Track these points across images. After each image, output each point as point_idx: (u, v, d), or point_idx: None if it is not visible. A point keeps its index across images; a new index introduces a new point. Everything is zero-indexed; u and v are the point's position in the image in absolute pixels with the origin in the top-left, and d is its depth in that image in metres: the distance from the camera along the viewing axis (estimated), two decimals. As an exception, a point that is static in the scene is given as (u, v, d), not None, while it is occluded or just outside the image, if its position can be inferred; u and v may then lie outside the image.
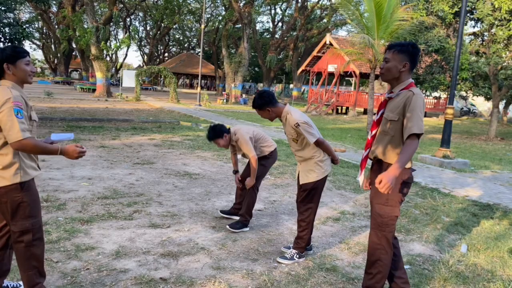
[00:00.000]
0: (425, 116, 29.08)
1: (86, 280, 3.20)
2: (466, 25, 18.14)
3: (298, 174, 3.93)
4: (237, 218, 4.79)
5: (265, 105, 3.79)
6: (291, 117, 3.70)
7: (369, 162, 3.12)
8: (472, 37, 18.08)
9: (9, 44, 10.31)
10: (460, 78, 15.79)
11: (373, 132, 3.00)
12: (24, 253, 2.64)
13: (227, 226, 4.57)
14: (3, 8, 10.27)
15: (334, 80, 28.44)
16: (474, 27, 19.09)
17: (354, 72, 26.67)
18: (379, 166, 2.97)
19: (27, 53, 2.67)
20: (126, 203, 5.19)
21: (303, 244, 3.90)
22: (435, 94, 21.11)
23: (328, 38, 28.01)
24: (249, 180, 4.56)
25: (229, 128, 4.63)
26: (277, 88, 61.19)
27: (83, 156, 2.65)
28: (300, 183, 3.84)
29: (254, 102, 3.85)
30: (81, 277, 3.24)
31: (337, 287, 3.40)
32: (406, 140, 2.73)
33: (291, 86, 52.60)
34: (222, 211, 4.98)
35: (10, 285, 2.97)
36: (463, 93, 18.21)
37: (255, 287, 3.29)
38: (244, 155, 4.68)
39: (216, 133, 4.51)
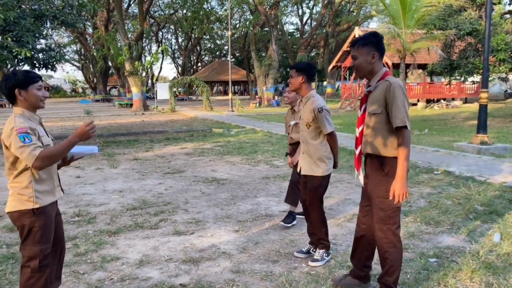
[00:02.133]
0: (465, 102, 28.19)
1: (109, 289, 3.33)
2: (500, 3, 17.33)
3: (296, 164, 3.92)
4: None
5: (303, 71, 3.72)
6: (315, 100, 3.71)
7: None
8: (508, 15, 17.23)
9: (43, 68, 10.87)
10: (497, 60, 15.09)
11: (360, 128, 2.98)
12: (27, 279, 2.66)
13: (281, 223, 4.70)
14: (36, 35, 10.81)
15: (367, 74, 27.87)
16: (510, 4, 18.22)
17: (386, 63, 26.05)
18: (371, 160, 2.94)
19: (40, 78, 2.68)
20: (153, 212, 5.33)
21: (327, 242, 3.86)
22: (473, 79, 20.23)
23: (357, 32, 27.53)
24: (292, 158, 4.62)
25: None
26: (310, 87, 60.70)
27: (94, 129, 2.60)
28: (303, 173, 3.80)
29: (299, 63, 3.84)
30: (104, 287, 3.36)
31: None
32: (397, 134, 2.76)
33: (325, 83, 52.07)
34: (298, 214, 4.95)
35: None
36: (503, 75, 17.32)
37: (273, 289, 3.29)
38: (294, 126, 4.66)
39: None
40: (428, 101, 27.34)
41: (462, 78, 17.49)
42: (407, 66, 16.33)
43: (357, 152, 3.02)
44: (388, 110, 2.77)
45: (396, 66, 26.71)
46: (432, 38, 14.72)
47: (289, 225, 4.71)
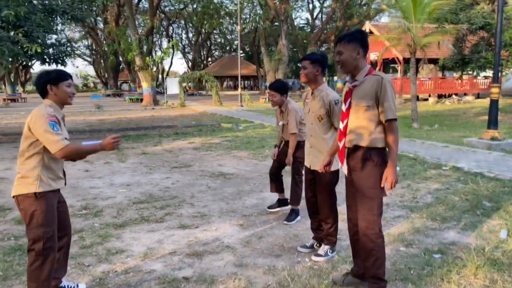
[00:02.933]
0: (478, 97, 27.83)
1: (113, 282, 3.36)
2: (514, -4, 17.01)
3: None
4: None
5: (319, 62, 3.68)
6: (330, 92, 3.70)
7: None
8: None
9: (53, 63, 10.96)
10: (510, 54, 14.86)
11: (345, 122, 3.02)
12: (32, 263, 2.79)
13: (284, 222, 4.69)
14: (47, 30, 10.88)
15: (378, 68, 27.64)
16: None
17: (397, 58, 25.82)
18: (360, 152, 2.96)
19: (70, 76, 2.94)
20: (159, 206, 5.37)
21: (334, 238, 3.85)
22: (485, 74, 19.95)
23: (367, 26, 27.33)
24: (288, 158, 4.66)
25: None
26: (321, 82, 60.30)
27: (119, 142, 2.83)
28: (313, 168, 3.76)
29: (312, 54, 3.80)
30: (108, 279, 3.40)
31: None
32: (386, 126, 2.86)
33: (335, 78, 51.75)
34: (269, 207, 5.12)
35: (68, 285, 3.18)
36: (516, 70, 17.06)
37: (275, 283, 3.30)
38: (284, 126, 4.78)
39: (282, 88, 4.67)
40: (440, 96, 27.07)
41: (474, 73, 17.27)
42: (418, 60, 16.13)
43: (341, 145, 3.07)
44: (377, 103, 2.85)
45: (406, 61, 26.48)
46: (444, 32, 14.52)
47: (293, 222, 4.69)
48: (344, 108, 3.02)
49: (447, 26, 15.21)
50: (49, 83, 2.85)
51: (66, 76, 2.90)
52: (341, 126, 3.04)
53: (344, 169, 3.15)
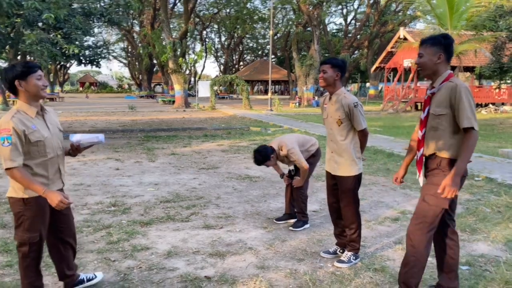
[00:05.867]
0: (516, 107, 26.82)
1: (136, 277, 3.44)
2: (557, 4, 16.37)
3: (326, 166, 3.86)
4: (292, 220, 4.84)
5: (339, 67, 3.64)
6: (348, 96, 3.64)
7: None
8: None
9: (89, 64, 11.34)
10: (551, 63, 14.29)
11: (423, 131, 2.96)
12: (21, 263, 2.85)
13: (290, 228, 4.63)
14: (84, 32, 11.27)
15: (411, 75, 27.13)
16: None
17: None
18: (432, 161, 2.93)
19: (39, 68, 2.71)
20: (186, 206, 5.45)
21: (357, 245, 3.81)
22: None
23: (402, 32, 26.85)
24: (297, 181, 4.60)
25: (271, 147, 4.63)
26: (352, 88, 59.83)
27: (64, 207, 2.67)
28: (334, 174, 3.73)
29: (333, 58, 3.75)
30: (133, 275, 3.48)
31: (382, 287, 3.28)
32: (464, 135, 2.75)
33: (367, 84, 51.10)
34: (277, 219, 4.95)
35: (86, 277, 3.28)
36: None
37: (297, 286, 3.29)
38: (294, 166, 4.72)
39: (264, 157, 4.55)
40: (476, 105, 26.26)
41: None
42: (453, 68, 15.76)
43: (419, 154, 3.00)
44: (453, 112, 2.77)
45: (442, 68, 25.83)
46: (481, 40, 14.11)
47: (300, 229, 4.62)
48: (422, 116, 2.98)
49: (485, 34, 14.78)
50: (17, 79, 2.63)
51: (34, 68, 2.66)
52: (420, 135, 2.99)
53: (421, 180, 3.07)
